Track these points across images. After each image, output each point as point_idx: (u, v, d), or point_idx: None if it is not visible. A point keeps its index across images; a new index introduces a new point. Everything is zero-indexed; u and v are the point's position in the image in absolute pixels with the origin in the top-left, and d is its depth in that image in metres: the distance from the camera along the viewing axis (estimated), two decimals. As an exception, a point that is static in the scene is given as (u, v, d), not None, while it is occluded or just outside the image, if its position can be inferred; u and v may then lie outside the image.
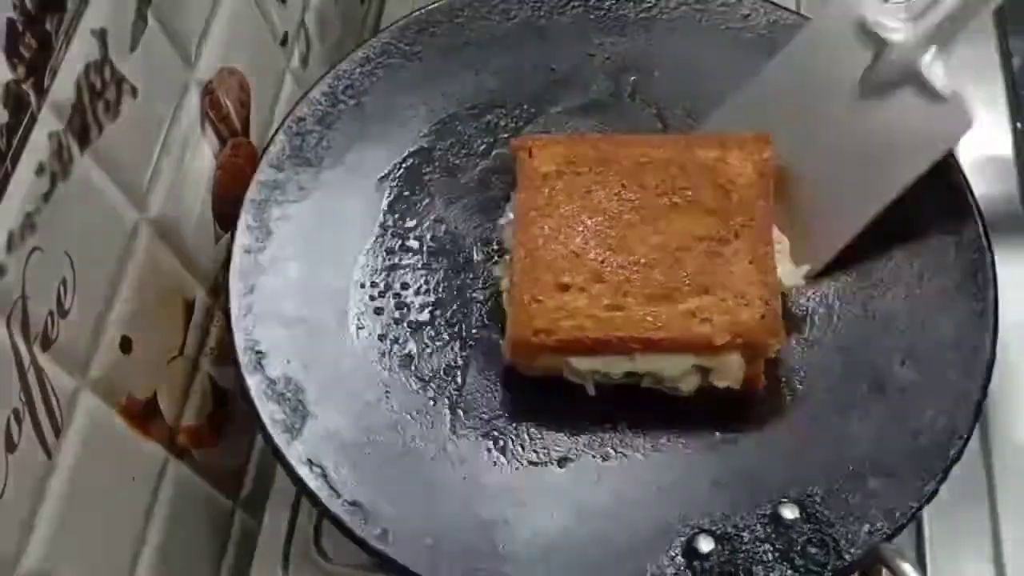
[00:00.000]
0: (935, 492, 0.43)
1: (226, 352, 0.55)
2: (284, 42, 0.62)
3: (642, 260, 0.46)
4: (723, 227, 0.46)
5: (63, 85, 0.41)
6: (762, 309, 0.44)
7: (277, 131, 0.53)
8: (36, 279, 0.40)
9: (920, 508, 0.43)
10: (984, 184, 0.50)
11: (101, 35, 0.44)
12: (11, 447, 0.38)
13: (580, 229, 0.47)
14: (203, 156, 0.53)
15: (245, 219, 0.51)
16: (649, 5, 0.57)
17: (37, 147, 0.40)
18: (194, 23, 0.52)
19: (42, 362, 0.40)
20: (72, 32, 0.42)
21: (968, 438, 0.44)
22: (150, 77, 0.47)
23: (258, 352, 0.47)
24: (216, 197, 0.54)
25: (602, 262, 0.46)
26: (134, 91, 0.46)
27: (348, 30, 0.72)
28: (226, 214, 0.55)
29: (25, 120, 0.39)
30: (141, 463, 0.48)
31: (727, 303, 0.44)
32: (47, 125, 0.40)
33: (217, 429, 0.55)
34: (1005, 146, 0.58)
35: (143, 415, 0.48)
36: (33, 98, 0.39)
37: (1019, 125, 0.59)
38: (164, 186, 0.49)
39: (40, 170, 0.40)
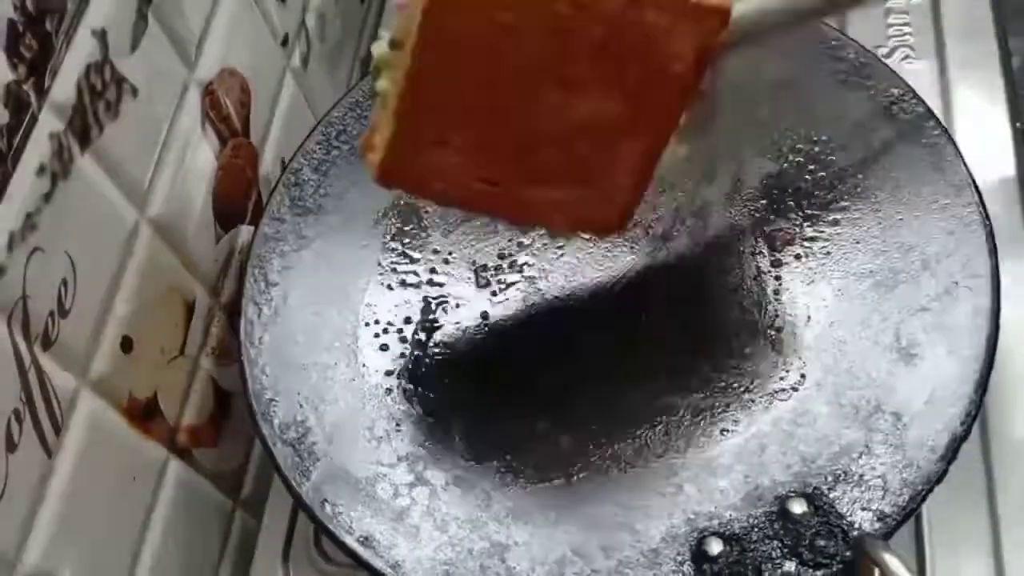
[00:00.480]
0: (944, 472, 0.43)
1: (227, 352, 0.55)
2: (284, 42, 0.62)
3: (538, 135, 0.41)
4: (632, 120, 0.40)
5: (63, 85, 0.41)
6: (620, 213, 0.43)
7: (277, 184, 0.54)
8: (36, 279, 0.40)
9: (931, 490, 0.42)
10: (985, 183, 0.50)
11: (101, 35, 0.44)
12: (11, 447, 0.38)
13: (483, 77, 0.39)
14: (203, 156, 0.53)
15: (252, 272, 0.52)
16: None
17: (37, 147, 0.40)
18: (194, 23, 0.52)
19: (42, 362, 0.40)
20: (72, 32, 0.42)
21: (975, 416, 0.43)
22: (150, 77, 0.47)
23: (271, 400, 0.48)
24: (217, 197, 0.54)
25: (495, 126, 0.40)
26: (134, 91, 0.46)
27: (348, 30, 0.72)
28: (226, 214, 0.55)
29: (25, 120, 0.39)
30: (141, 463, 0.48)
31: (594, 201, 0.43)
32: (47, 125, 0.40)
33: (217, 429, 0.55)
34: (1005, 146, 0.58)
35: (143, 415, 0.48)
36: (33, 98, 0.39)
37: (1019, 125, 0.59)
38: (164, 186, 0.49)
39: (40, 170, 0.40)
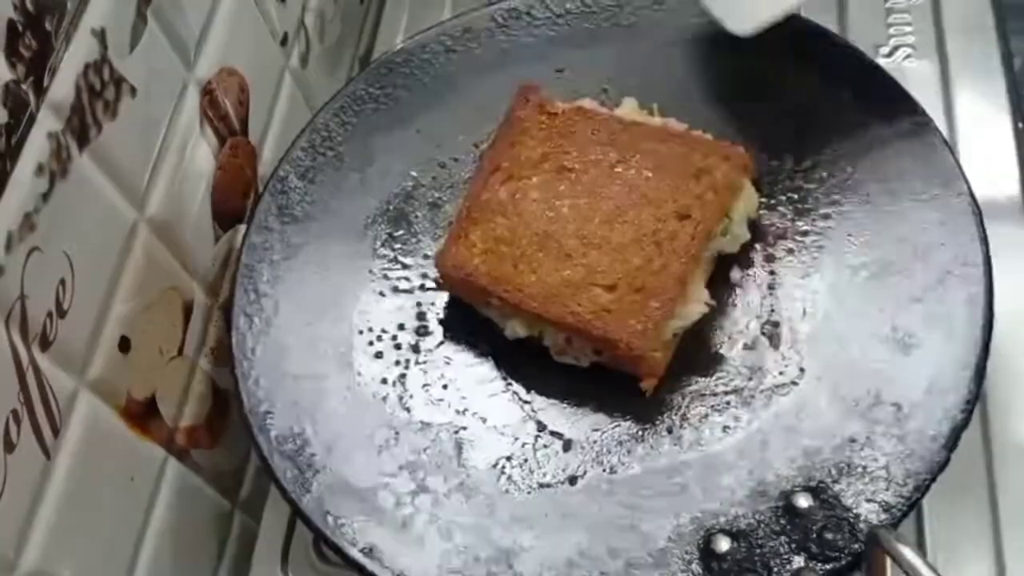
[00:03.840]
0: (947, 461, 0.43)
1: (225, 353, 0.55)
2: (284, 42, 0.62)
3: (595, 241, 0.48)
4: (677, 233, 0.47)
5: (62, 85, 0.41)
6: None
7: (263, 193, 0.54)
8: (35, 279, 0.40)
9: (934, 478, 0.42)
10: (985, 183, 0.50)
11: (101, 35, 0.44)
12: (10, 448, 0.38)
13: (546, 210, 0.49)
14: (202, 156, 0.53)
15: (242, 282, 0.51)
16: (610, 14, 0.57)
17: (36, 147, 0.40)
18: (193, 22, 0.51)
19: (41, 362, 0.40)
20: (72, 32, 0.42)
21: (974, 403, 0.43)
22: (149, 77, 0.47)
23: (266, 412, 0.48)
24: (215, 197, 0.54)
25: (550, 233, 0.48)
26: (133, 91, 0.46)
27: (348, 30, 0.72)
28: (225, 213, 0.55)
29: (24, 120, 0.39)
30: (140, 463, 0.48)
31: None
32: (46, 125, 0.40)
33: (216, 429, 0.55)
34: (1006, 146, 0.58)
35: (142, 415, 0.48)
36: (32, 98, 0.39)
37: (1020, 125, 0.59)
38: (163, 186, 0.49)
39: (39, 170, 0.40)
